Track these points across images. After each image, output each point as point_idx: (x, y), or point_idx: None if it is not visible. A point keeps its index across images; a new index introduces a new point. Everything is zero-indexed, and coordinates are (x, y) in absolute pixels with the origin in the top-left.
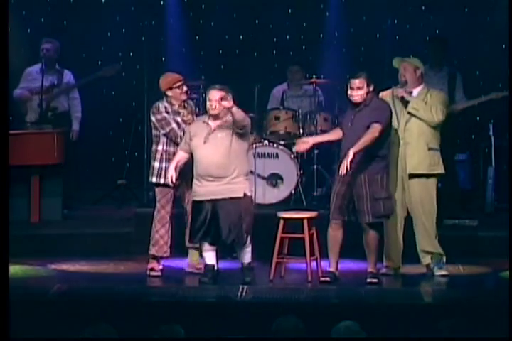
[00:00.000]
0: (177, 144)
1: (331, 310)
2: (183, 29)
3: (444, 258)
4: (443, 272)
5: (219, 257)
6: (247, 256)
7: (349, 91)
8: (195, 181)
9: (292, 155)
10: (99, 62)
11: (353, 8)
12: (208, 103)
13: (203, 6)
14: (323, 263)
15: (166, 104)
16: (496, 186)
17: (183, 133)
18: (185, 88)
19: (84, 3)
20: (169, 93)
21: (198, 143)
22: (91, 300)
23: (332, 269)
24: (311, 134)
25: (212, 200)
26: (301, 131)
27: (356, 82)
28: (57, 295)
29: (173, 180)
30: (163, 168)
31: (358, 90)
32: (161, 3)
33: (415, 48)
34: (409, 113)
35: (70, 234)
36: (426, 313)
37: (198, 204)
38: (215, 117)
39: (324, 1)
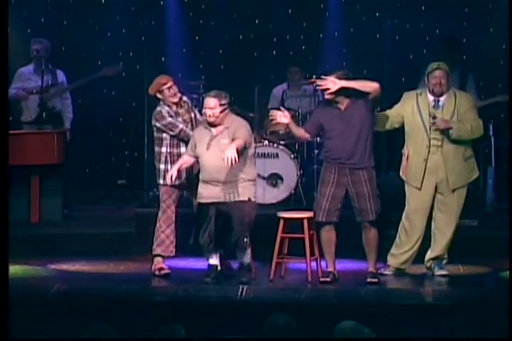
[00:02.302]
0: (186, 143)
1: (330, 310)
2: (183, 29)
3: (445, 259)
4: (443, 272)
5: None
6: (246, 258)
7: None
8: (201, 184)
9: (292, 155)
10: (99, 62)
11: (353, 8)
12: (203, 110)
13: (203, 6)
14: (323, 263)
15: (167, 108)
16: (496, 186)
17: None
18: (173, 90)
19: (84, 3)
20: (159, 96)
21: (201, 149)
22: (91, 300)
23: (331, 269)
24: None
25: (216, 203)
26: None
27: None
28: (57, 295)
29: (173, 179)
30: (169, 170)
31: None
32: (161, 3)
33: (415, 48)
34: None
35: (70, 234)
36: (426, 313)
37: (202, 207)
38: (213, 124)
39: (324, 1)
